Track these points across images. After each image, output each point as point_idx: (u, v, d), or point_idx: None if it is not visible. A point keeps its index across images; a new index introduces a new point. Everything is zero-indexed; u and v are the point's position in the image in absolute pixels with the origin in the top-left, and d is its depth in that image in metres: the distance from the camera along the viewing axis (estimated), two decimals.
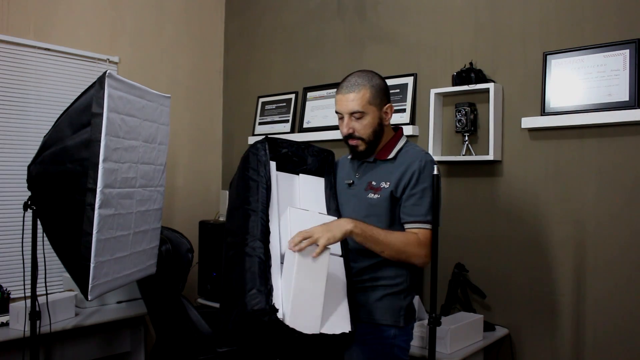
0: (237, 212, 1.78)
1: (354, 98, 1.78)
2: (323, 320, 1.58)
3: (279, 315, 1.51)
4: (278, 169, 1.91)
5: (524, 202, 2.48)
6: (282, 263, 1.67)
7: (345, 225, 1.63)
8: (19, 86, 2.91)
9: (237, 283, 1.60)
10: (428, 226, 1.73)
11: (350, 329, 1.63)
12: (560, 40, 2.39)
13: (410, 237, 1.72)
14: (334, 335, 1.57)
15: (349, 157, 2.00)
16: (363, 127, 1.80)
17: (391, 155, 1.84)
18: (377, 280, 1.78)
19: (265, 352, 1.74)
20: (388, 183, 1.79)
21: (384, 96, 1.83)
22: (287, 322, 1.51)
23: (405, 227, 1.77)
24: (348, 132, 1.82)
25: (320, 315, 1.57)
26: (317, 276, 1.58)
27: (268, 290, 1.54)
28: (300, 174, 1.97)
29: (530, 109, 2.46)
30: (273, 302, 1.53)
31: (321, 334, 1.56)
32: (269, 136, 1.95)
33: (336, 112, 1.86)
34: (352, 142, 1.84)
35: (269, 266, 1.61)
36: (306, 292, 1.55)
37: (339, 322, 1.61)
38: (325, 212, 1.86)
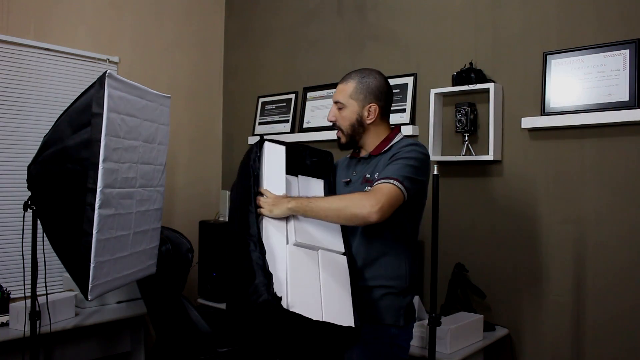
0: (237, 212, 1.79)
1: (341, 89, 1.88)
2: (327, 309, 1.57)
3: (283, 304, 1.50)
4: None
5: (523, 202, 2.48)
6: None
7: (286, 204, 1.71)
8: (19, 86, 2.91)
9: (242, 281, 1.60)
10: (390, 181, 1.67)
11: (355, 324, 1.61)
12: (560, 40, 2.39)
13: (354, 195, 1.73)
14: (339, 331, 1.55)
15: (348, 156, 2.01)
16: (342, 118, 1.88)
17: (385, 149, 1.85)
18: (377, 280, 1.78)
19: (266, 352, 1.74)
20: (379, 172, 1.80)
21: (370, 95, 1.85)
22: (290, 308, 1.50)
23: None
24: (330, 119, 1.91)
25: (320, 301, 1.57)
26: (310, 263, 1.63)
27: (268, 282, 1.54)
28: (299, 175, 1.97)
29: (530, 109, 2.46)
30: (275, 291, 1.52)
31: (327, 327, 1.54)
32: (266, 137, 1.96)
33: None
34: (336, 132, 1.93)
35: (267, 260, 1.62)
36: (302, 278, 1.59)
37: (344, 316, 1.60)
38: None
